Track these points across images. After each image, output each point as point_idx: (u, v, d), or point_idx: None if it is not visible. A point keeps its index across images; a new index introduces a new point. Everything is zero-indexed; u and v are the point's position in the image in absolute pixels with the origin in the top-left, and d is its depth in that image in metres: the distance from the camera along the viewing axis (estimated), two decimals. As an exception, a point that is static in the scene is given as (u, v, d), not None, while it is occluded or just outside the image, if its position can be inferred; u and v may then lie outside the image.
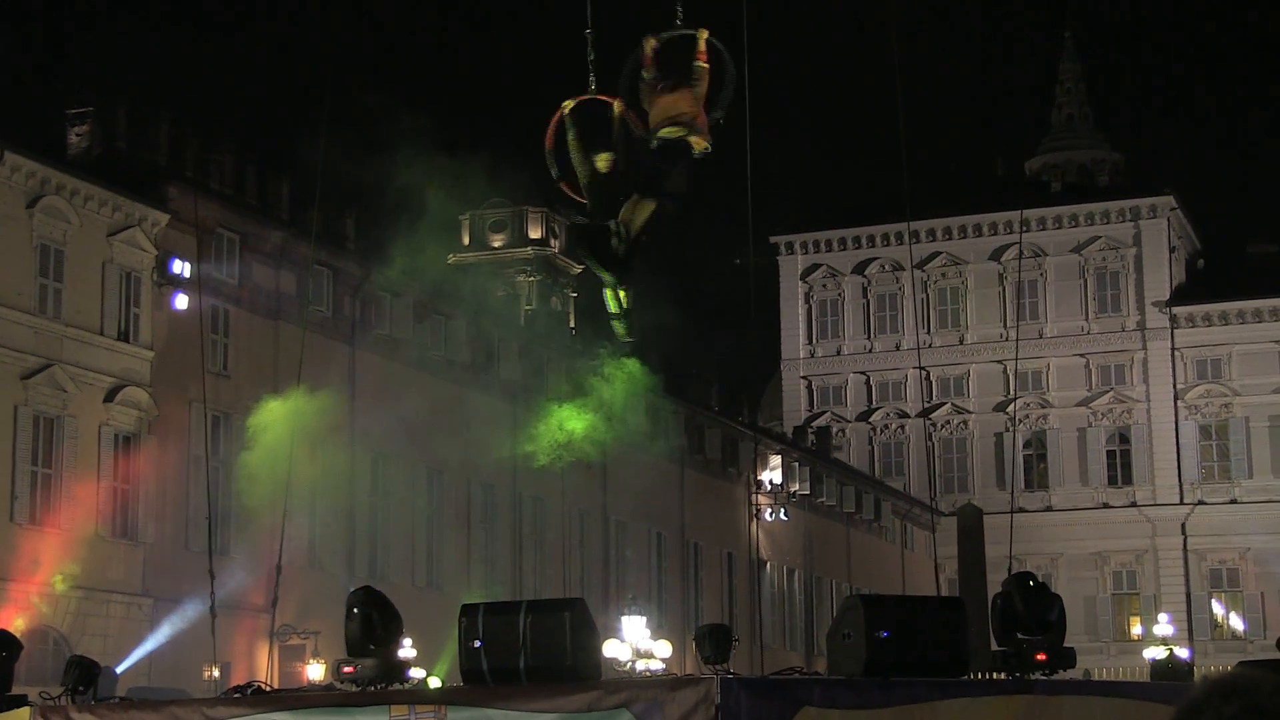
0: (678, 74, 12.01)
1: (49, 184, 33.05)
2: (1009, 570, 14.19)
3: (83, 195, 33.62)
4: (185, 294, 34.76)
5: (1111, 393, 68.12)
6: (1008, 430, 67.92)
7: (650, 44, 12.00)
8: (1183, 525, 66.62)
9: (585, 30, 12.66)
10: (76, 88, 37.73)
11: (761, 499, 54.01)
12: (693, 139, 11.93)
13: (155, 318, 34.87)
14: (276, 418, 30.04)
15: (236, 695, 12.03)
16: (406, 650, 32.80)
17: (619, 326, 12.97)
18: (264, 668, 34.87)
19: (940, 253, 70.46)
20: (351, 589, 13.32)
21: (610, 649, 35.26)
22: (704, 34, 11.98)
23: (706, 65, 11.95)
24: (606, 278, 12.57)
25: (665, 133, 11.89)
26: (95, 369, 33.59)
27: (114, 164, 34.98)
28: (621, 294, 12.73)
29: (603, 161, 12.26)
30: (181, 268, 35.03)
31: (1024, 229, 68.97)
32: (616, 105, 12.29)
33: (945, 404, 69.84)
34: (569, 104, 12.37)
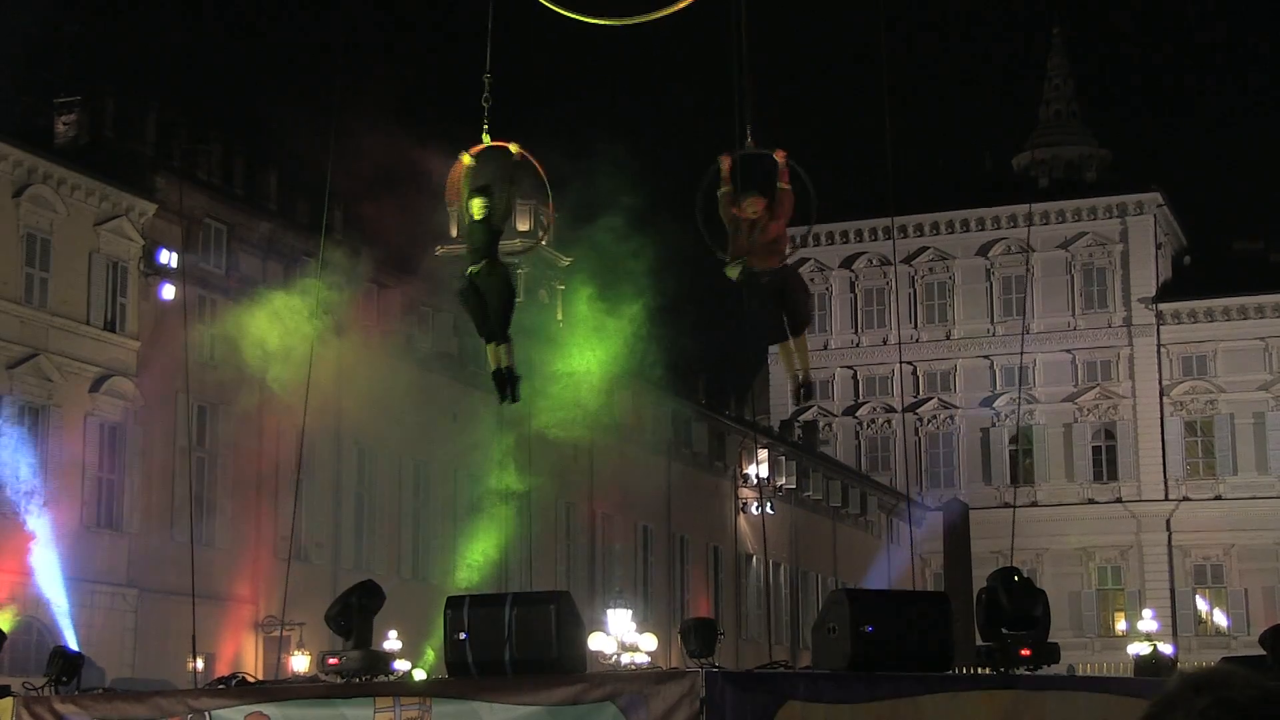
0: (758, 192, 12.43)
1: (36, 173, 32.96)
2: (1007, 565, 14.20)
3: (70, 185, 33.54)
4: (172, 284, 34.68)
5: (1097, 389, 68.21)
6: (994, 426, 68.02)
7: (726, 162, 12.29)
8: (1167, 521, 66.74)
9: (484, 75, 12.55)
10: (64, 77, 37.64)
11: (748, 493, 54.07)
12: (782, 263, 12.78)
13: (142, 308, 34.80)
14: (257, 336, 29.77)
15: (221, 686, 12.02)
16: (392, 642, 32.88)
17: (501, 387, 12.48)
18: (249, 660, 34.90)
19: (928, 248, 70.48)
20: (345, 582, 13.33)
21: (596, 642, 35.28)
22: (782, 156, 12.34)
23: (789, 188, 12.38)
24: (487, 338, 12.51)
25: (757, 265, 12.52)
26: (81, 359, 33.51)
27: (101, 153, 34.88)
28: (502, 351, 12.44)
29: (478, 208, 12.29)
30: (168, 258, 34.97)
31: (1012, 225, 69.02)
32: (514, 148, 12.36)
33: (932, 399, 69.89)
34: (467, 158, 12.35)
